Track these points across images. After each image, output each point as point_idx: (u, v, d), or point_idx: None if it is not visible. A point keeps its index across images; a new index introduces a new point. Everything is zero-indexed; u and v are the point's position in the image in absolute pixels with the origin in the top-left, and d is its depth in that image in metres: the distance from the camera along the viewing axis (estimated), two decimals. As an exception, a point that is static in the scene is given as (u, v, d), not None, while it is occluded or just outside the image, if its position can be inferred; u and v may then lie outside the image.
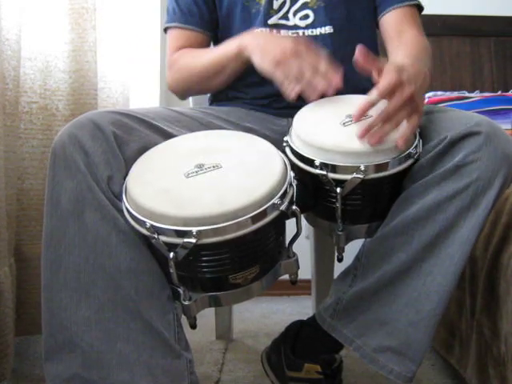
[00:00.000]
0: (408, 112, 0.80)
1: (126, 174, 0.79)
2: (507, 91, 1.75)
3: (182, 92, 1.15)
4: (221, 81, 1.07)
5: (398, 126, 0.80)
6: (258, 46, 0.95)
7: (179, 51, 1.12)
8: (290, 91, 0.89)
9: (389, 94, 0.78)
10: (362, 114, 0.81)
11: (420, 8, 1.14)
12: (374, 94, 0.78)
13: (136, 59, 1.54)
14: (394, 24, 1.09)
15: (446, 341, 1.14)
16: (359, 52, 0.80)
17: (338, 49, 1.05)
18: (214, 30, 1.15)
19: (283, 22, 1.09)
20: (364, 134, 0.79)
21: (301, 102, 0.93)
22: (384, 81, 0.78)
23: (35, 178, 1.23)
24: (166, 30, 1.17)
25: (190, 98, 1.39)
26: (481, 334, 0.97)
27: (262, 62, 0.92)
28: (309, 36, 1.08)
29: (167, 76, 1.14)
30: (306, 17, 1.09)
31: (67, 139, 0.77)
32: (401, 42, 1.06)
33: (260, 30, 1.07)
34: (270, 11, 1.09)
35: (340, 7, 1.09)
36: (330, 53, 0.97)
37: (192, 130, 0.91)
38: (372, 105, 0.79)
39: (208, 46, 1.16)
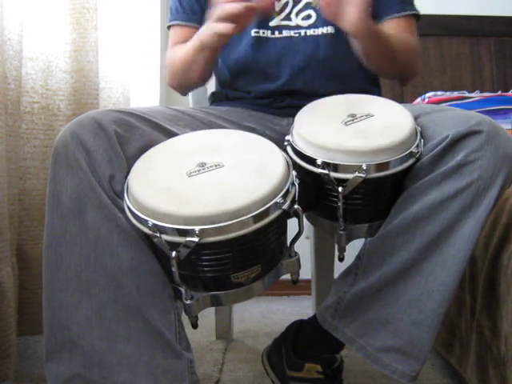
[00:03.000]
0: None
1: (128, 173, 0.79)
2: (507, 91, 1.74)
3: (176, 86, 1.17)
4: (199, 71, 1.08)
5: None
6: (205, 28, 0.98)
7: (175, 46, 1.14)
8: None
9: None
10: None
11: (417, 16, 1.14)
12: None
13: (137, 59, 1.54)
14: (397, 31, 1.09)
15: (446, 341, 1.14)
16: None
17: (339, 49, 1.06)
18: None
19: (285, 22, 1.10)
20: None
21: (301, 101, 0.93)
22: None
23: (37, 178, 1.23)
24: (169, 27, 1.20)
25: (190, 99, 1.40)
26: (481, 334, 0.97)
27: (212, 30, 0.94)
28: (311, 36, 1.08)
29: (166, 74, 1.16)
30: (309, 17, 1.09)
31: (69, 138, 0.77)
32: None
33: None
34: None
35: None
36: (332, 53, 0.97)
37: (194, 129, 0.91)
38: None
39: None
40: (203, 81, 1.15)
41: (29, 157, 1.22)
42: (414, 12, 1.12)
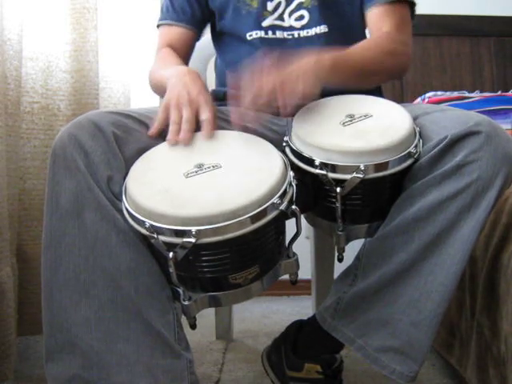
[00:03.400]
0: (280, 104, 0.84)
1: (126, 174, 0.79)
2: (507, 91, 1.74)
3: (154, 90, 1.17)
4: (161, 95, 1.06)
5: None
6: (170, 84, 0.94)
7: (161, 50, 1.15)
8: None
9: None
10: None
11: (411, 4, 1.09)
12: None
13: (137, 59, 1.54)
14: (375, 21, 1.07)
15: (446, 341, 1.14)
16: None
17: (333, 48, 1.05)
18: (203, 28, 1.19)
19: (278, 22, 1.09)
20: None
21: (300, 101, 0.93)
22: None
23: (37, 178, 1.23)
24: (158, 26, 1.20)
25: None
26: (481, 334, 0.97)
27: (164, 99, 0.92)
28: (304, 37, 1.08)
29: None
30: (301, 17, 1.08)
31: (67, 139, 0.77)
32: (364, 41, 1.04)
33: (187, 69, 1.01)
34: (263, 13, 1.09)
35: (333, 5, 1.08)
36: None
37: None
38: None
39: (194, 43, 1.19)
40: None
41: (29, 157, 1.22)
42: None
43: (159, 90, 1.06)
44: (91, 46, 1.30)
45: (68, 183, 0.76)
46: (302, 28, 1.08)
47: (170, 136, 0.84)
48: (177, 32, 1.16)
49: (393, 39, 1.02)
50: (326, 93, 0.98)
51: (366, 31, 1.15)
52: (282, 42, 1.08)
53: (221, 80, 1.21)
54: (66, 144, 0.77)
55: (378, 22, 1.06)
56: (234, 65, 1.13)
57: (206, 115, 0.86)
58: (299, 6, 1.08)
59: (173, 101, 0.88)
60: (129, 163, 0.80)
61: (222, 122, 1.00)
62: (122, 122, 0.82)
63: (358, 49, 0.98)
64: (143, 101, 1.59)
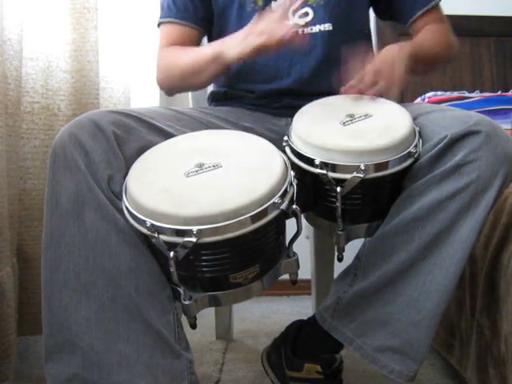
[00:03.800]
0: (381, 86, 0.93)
1: (126, 174, 0.79)
2: (507, 91, 1.74)
3: (168, 89, 1.15)
4: (201, 81, 1.07)
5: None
6: (227, 42, 0.98)
7: (168, 47, 1.13)
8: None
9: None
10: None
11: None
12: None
13: (137, 59, 1.54)
14: (423, 27, 1.12)
15: (446, 341, 1.14)
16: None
17: (337, 46, 1.05)
18: (206, 27, 1.16)
19: None
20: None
21: (300, 102, 0.93)
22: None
23: (37, 178, 1.23)
24: (159, 25, 1.18)
25: (190, 99, 1.40)
26: (481, 334, 0.97)
27: (236, 48, 0.94)
28: (308, 34, 1.08)
29: (156, 72, 1.14)
30: (306, 15, 1.08)
31: (67, 139, 0.77)
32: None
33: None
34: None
35: (339, 4, 1.09)
36: (329, 50, 0.98)
37: (192, 129, 0.91)
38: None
39: (199, 42, 1.17)
40: (202, 88, 1.16)
41: (29, 157, 1.22)
42: (438, 0, 1.14)
43: (192, 73, 1.04)
44: (91, 45, 1.30)
45: (68, 183, 0.76)
46: (306, 25, 1.08)
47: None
48: (180, 31, 1.13)
49: (450, 32, 1.13)
50: (326, 93, 0.98)
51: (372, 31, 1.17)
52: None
53: (220, 80, 1.21)
54: (67, 143, 0.77)
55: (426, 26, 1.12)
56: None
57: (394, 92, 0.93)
58: (303, 4, 1.08)
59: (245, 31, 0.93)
60: (129, 163, 0.80)
61: (222, 122, 1.00)
62: (122, 122, 0.82)
63: (427, 39, 1.08)
64: (143, 101, 1.59)
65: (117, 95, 1.39)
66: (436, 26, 1.11)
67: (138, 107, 1.21)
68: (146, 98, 1.59)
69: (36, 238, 1.22)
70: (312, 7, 1.08)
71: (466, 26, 1.98)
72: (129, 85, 1.43)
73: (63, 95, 1.28)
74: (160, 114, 0.92)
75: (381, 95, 0.93)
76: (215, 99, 1.18)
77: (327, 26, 1.08)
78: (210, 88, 1.24)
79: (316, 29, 1.08)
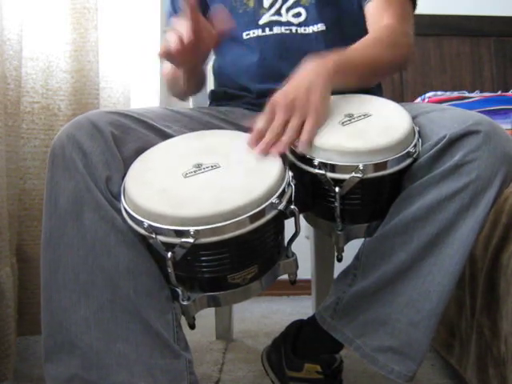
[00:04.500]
0: (295, 123, 0.81)
1: (125, 174, 0.79)
2: (507, 91, 1.74)
3: (173, 95, 1.18)
4: (183, 86, 1.07)
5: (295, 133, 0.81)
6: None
7: None
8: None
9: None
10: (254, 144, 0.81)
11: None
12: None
13: (137, 59, 1.54)
14: (374, 13, 1.04)
15: (446, 341, 1.14)
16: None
17: (332, 46, 1.04)
18: None
19: (276, 18, 1.08)
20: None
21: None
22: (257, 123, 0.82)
23: (37, 178, 1.23)
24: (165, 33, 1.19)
25: (190, 98, 1.40)
26: (481, 334, 0.97)
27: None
28: (302, 34, 1.07)
29: None
30: (299, 14, 1.08)
31: (66, 139, 0.77)
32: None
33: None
34: (260, 11, 1.08)
35: (331, 3, 1.08)
36: (324, 51, 0.97)
37: (191, 130, 0.91)
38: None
39: None
40: (193, 92, 1.17)
41: (29, 157, 1.22)
42: None
43: (171, 84, 1.07)
44: (91, 45, 1.30)
45: (67, 183, 0.76)
46: (300, 25, 1.07)
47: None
48: None
49: (393, 31, 0.99)
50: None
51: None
52: (279, 39, 1.08)
53: (219, 80, 1.21)
54: (65, 144, 0.77)
55: (377, 14, 1.03)
56: (231, 66, 1.13)
57: (311, 123, 0.81)
58: (296, 3, 1.08)
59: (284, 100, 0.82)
60: (127, 163, 0.80)
61: (221, 122, 1.00)
62: (120, 122, 0.82)
63: (358, 48, 0.94)
64: (143, 101, 1.59)
65: (116, 95, 1.39)
66: (381, 27, 1.01)
67: (137, 107, 1.21)
68: (145, 98, 1.59)
69: (36, 237, 1.22)
70: (304, 7, 1.08)
71: (465, 26, 1.98)
72: (128, 85, 1.43)
73: (63, 95, 1.28)
74: (159, 114, 0.92)
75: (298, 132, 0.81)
76: (215, 98, 1.18)
77: (320, 27, 1.07)
78: (211, 87, 1.25)
79: (309, 30, 1.07)
